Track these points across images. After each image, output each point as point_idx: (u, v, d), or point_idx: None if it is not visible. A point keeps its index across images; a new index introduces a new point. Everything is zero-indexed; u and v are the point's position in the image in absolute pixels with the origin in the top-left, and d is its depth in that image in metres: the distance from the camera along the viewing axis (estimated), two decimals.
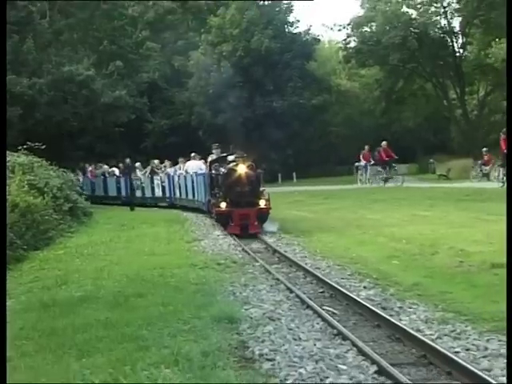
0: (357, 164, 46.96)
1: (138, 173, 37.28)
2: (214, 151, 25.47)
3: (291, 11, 61.34)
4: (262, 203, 20.05)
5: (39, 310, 10.06)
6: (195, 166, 28.66)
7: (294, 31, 61.35)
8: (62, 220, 22.44)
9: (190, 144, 42.38)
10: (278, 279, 12.23)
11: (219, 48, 57.64)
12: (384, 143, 40.06)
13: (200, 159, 29.23)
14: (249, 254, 15.82)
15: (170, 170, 33.85)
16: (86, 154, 47.94)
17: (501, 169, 36.28)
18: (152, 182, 35.24)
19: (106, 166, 42.16)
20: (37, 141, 26.24)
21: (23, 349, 7.90)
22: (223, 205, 20.27)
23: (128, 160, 37.59)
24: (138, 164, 38.78)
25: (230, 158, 21.21)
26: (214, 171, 22.85)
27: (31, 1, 46.70)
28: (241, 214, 19.76)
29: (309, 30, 61.99)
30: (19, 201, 18.44)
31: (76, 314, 9.47)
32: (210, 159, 24.89)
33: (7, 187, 18.44)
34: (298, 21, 61.96)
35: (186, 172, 29.74)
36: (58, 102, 48.33)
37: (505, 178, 36.15)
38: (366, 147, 42.08)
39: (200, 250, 16.46)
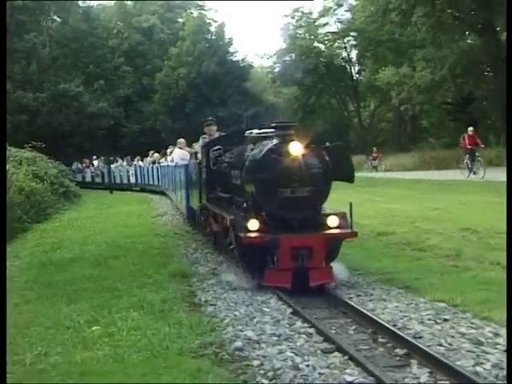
0: None
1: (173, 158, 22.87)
2: (205, 130, 12.79)
3: (231, 44, 61.45)
4: (333, 223, 7.98)
5: (39, 268, 9.95)
6: (181, 155, 17.75)
7: (234, 59, 61.34)
8: (57, 200, 22.36)
9: (155, 143, 42.20)
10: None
11: (177, 71, 57.49)
12: (470, 129, 26.21)
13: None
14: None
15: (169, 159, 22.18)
16: (75, 151, 47.56)
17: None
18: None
19: (156, 154, 31.31)
20: (39, 141, 26.19)
21: (27, 297, 7.79)
22: (254, 225, 7.58)
23: (171, 146, 25.37)
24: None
25: (254, 132, 8.98)
26: (213, 159, 10.68)
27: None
28: (294, 247, 7.48)
29: (244, 58, 62.71)
30: (25, 186, 18.25)
31: (67, 271, 9.37)
32: (201, 143, 12.39)
33: (15, 175, 18.25)
34: (237, 51, 62.36)
35: (172, 161, 20.08)
36: (55, 112, 48.71)
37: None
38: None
39: (162, 223, 16.38)
